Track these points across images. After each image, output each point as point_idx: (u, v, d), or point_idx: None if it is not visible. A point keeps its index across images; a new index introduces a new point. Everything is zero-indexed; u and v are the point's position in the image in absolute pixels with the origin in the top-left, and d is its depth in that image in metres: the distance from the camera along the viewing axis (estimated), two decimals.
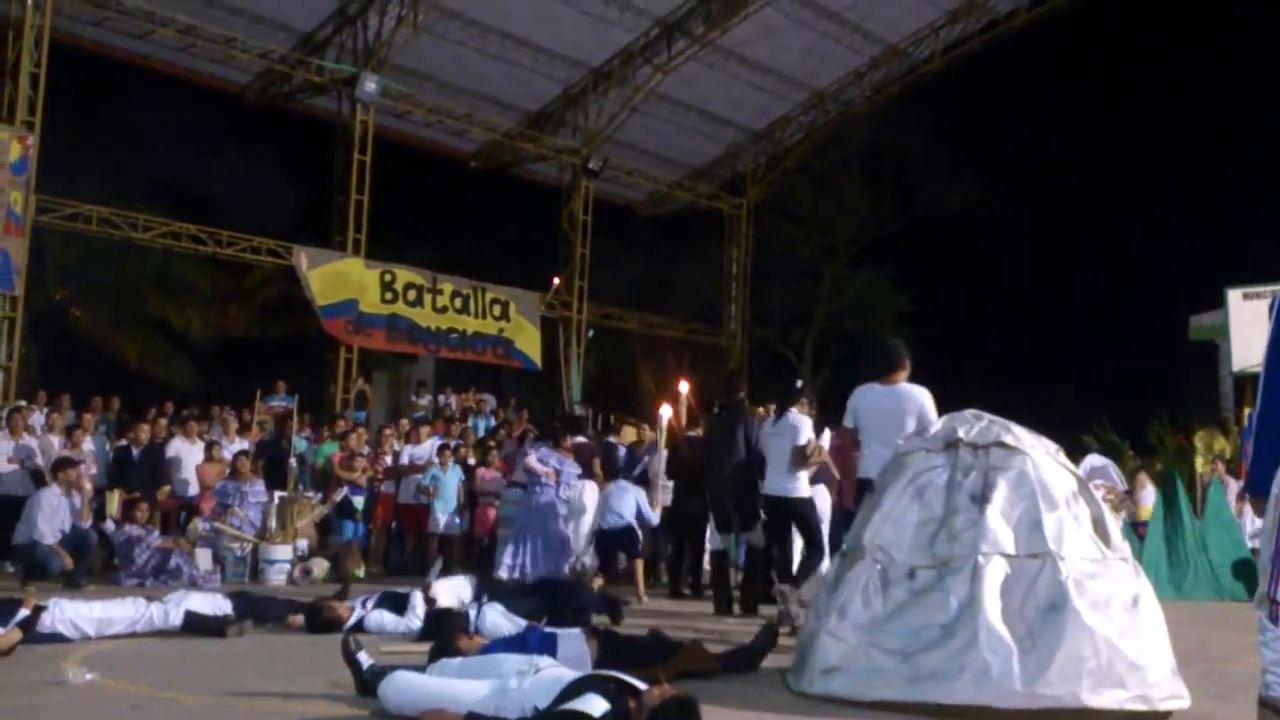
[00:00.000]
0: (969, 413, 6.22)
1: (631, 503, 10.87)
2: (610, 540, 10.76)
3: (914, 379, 7.60)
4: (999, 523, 5.56)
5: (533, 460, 11.47)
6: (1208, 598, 11.69)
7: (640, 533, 10.91)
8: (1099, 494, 6.55)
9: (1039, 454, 5.87)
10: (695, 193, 24.10)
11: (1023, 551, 5.48)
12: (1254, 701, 4.21)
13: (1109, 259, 28.34)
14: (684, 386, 12.68)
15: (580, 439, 12.65)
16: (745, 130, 23.13)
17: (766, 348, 28.11)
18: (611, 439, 13.65)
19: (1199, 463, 14.31)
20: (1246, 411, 14.41)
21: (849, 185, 28.09)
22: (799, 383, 9.84)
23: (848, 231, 28.66)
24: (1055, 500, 5.65)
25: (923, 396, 7.41)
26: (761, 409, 10.48)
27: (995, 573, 5.40)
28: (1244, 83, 27.22)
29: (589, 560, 11.06)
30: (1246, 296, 15.03)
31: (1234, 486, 13.03)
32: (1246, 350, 14.33)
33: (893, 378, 7.57)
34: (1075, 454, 10.50)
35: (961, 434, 5.97)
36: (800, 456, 8.64)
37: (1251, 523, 12.35)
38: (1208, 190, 26.99)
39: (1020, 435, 5.94)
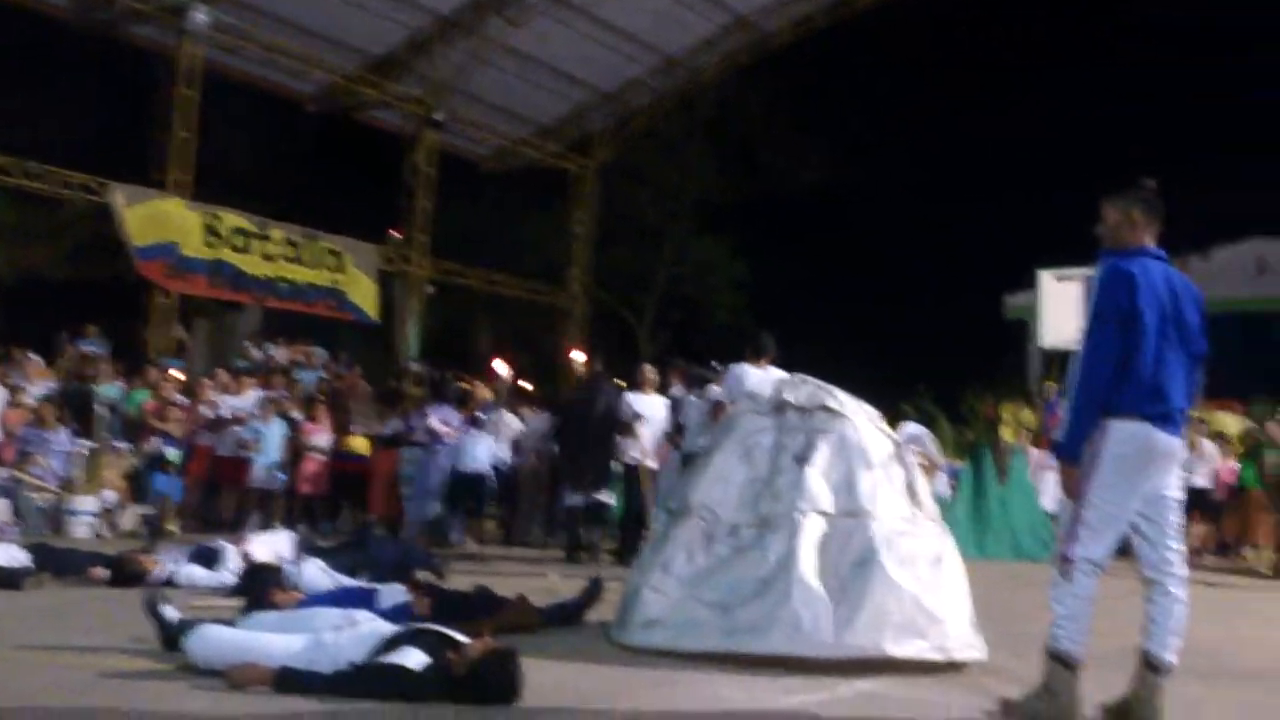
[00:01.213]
0: (796, 377, 6.48)
1: (486, 450, 11.27)
2: (465, 487, 10.88)
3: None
4: (819, 482, 5.77)
5: (435, 421, 11.47)
6: (1009, 558, 12.48)
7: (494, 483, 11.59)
8: (913, 459, 6.83)
9: (859, 418, 6.11)
10: (542, 151, 23.86)
11: (839, 510, 5.71)
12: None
13: (936, 237, 29.49)
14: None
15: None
16: (595, 90, 22.97)
17: (607, 310, 28.22)
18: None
19: (1006, 433, 15.17)
20: (1049, 385, 15.35)
21: (695, 152, 28.34)
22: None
23: (691, 197, 28.95)
24: (872, 462, 5.89)
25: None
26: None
27: (812, 530, 5.62)
28: (1068, 73, 28.55)
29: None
30: (1059, 279, 15.82)
31: (1035, 456, 13.90)
32: (1056, 329, 15.10)
33: (763, 361, 8.52)
34: (894, 422, 11.01)
35: (789, 397, 6.19)
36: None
37: (1056, 488, 13.20)
38: (1027, 173, 28.26)
39: (843, 400, 6.18)
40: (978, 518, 13.20)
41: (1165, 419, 4.38)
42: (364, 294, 20.12)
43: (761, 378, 7.92)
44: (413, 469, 12.08)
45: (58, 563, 7.53)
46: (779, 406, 6.15)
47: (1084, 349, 4.44)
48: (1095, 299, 4.46)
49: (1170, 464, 4.44)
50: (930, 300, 27.92)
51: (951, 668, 5.39)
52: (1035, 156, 28.34)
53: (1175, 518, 4.48)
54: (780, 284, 28.75)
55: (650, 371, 11.13)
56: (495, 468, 12.02)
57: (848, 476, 5.81)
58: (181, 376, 13.89)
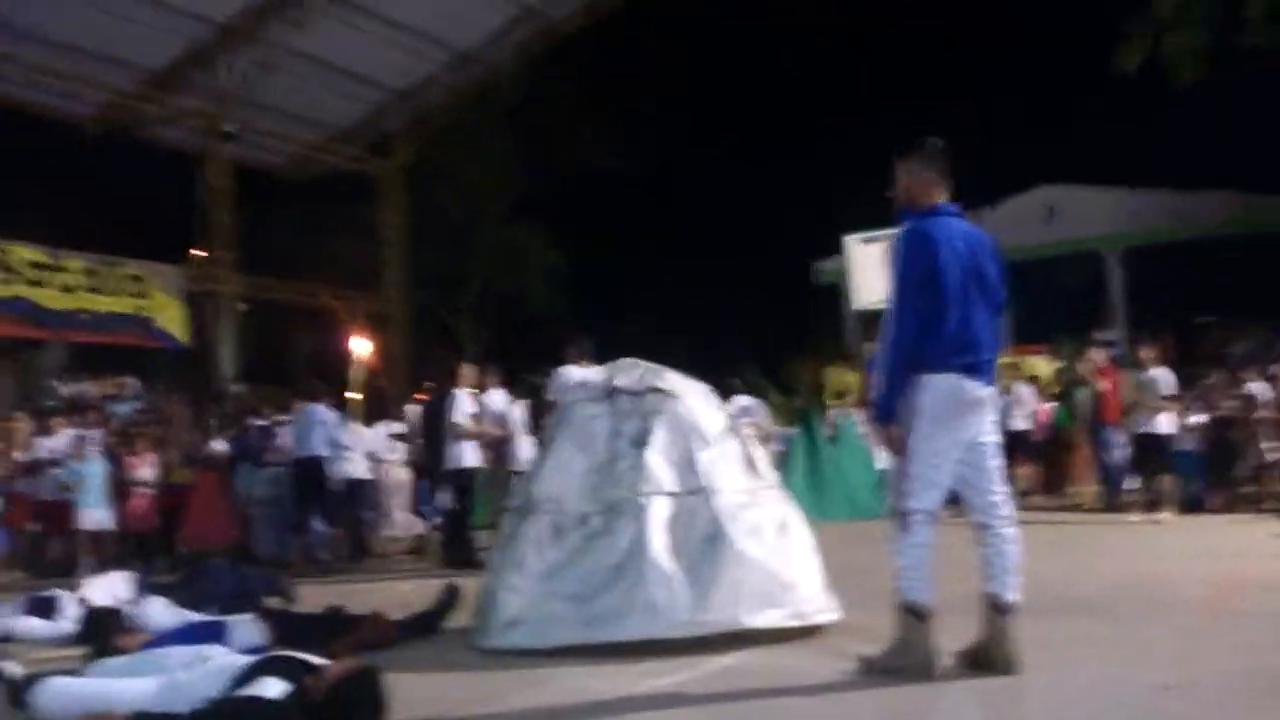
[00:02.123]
0: (625, 361, 6.56)
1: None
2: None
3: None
4: (659, 463, 5.90)
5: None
6: (847, 518, 12.95)
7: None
8: (747, 431, 7.10)
9: (691, 397, 6.27)
10: (341, 155, 23.37)
11: (681, 489, 5.84)
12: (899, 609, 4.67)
13: (742, 211, 30.09)
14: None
15: None
16: (389, 90, 22.61)
17: (429, 311, 27.91)
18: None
19: (832, 397, 15.77)
20: (869, 346, 15.98)
21: (498, 144, 28.22)
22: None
23: (499, 190, 28.85)
24: (708, 439, 6.06)
25: None
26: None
27: (658, 512, 5.74)
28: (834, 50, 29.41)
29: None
30: (866, 241, 16.50)
31: (862, 416, 14.46)
32: (868, 290, 15.76)
33: (584, 361, 9.38)
34: (726, 397, 11.36)
35: (619, 382, 6.29)
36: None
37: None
38: (817, 137, 29.01)
39: (672, 380, 6.33)
40: (813, 481, 13.59)
41: (974, 369, 4.61)
42: (172, 318, 19.38)
43: (584, 376, 8.13)
44: (267, 489, 12.11)
45: None
46: (610, 392, 6.22)
47: (892, 311, 4.65)
48: (898, 261, 4.65)
49: (983, 411, 4.65)
50: (743, 274, 28.54)
51: (810, 632, 5.56)
52: (822, 120, 29.17)
53: (995, 463, 4.69)
54: (597, 270, 28.95)
55: (469, 370, 11.24)
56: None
57: (686, 455, 5.93)
58: None
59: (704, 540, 5.64)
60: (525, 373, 11.09)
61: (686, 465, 5.91)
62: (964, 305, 4.60)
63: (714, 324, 28.05)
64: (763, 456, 6.52)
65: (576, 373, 9.02)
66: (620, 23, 22.86)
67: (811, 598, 5.68)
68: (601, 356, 8.18)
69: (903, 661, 4.60)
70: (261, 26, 19.40)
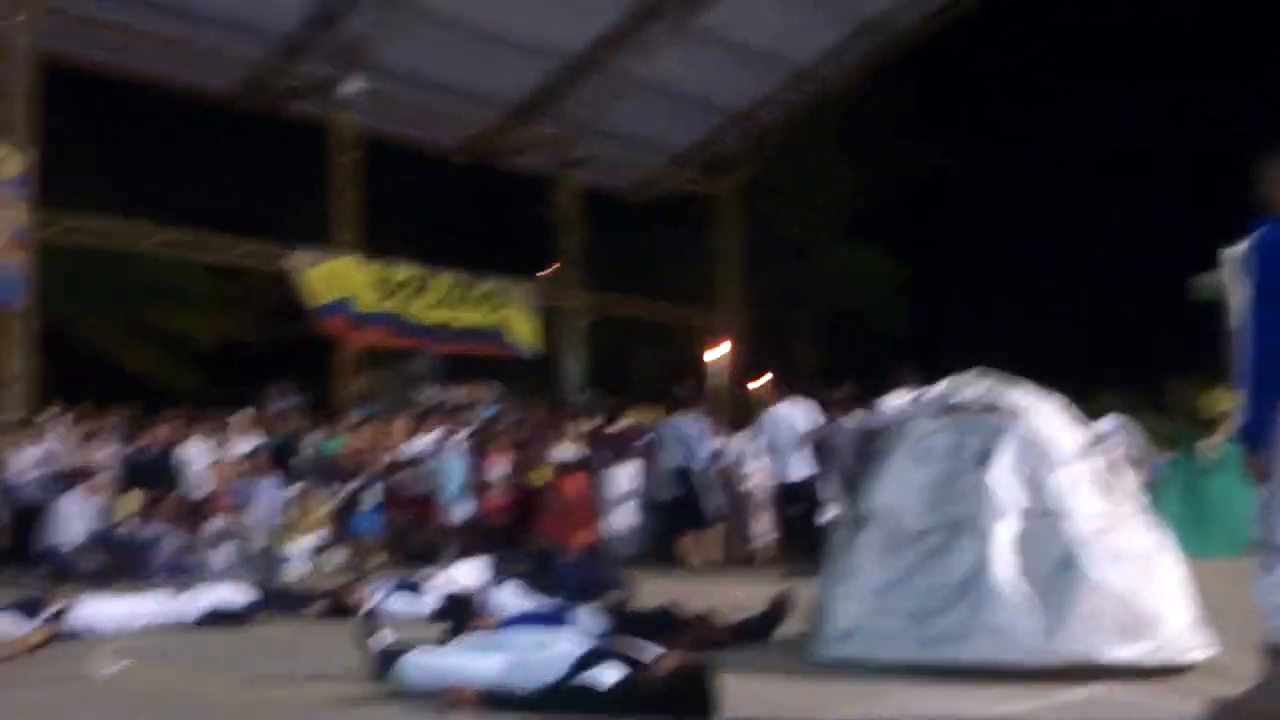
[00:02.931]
0: (970, 374, 6.26)
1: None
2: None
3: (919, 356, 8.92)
4: (1004, 482, 5.60)
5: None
6: (1229, 554, 11.65)
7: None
8: (1116, 452, 6.60)
9: (1044, 412, 5.91)
10: (680, 178, 24.15)
11: (1029, 510, 5.52)
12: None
13: (1108, 220, 28.08)
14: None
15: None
16: (726, 112, 23.13)
17: (764, 329, 28.20)
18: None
19: (1216, 421, 14.28)
20: None
21: (833, 160, 28.10)
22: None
23: (836, 206, 28.71)
24: (1060, 458, 5.70)
25: None
26: None
27: (1003, 532, 5.46)
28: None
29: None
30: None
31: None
32: None
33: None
34: (1092, 415, 10.64)
35: (963, 396, 6.04)
36: None
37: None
38: (1193, 142, 26.69)
39: (1023, 394, 5.99)
40: (1190, 512, 12.30)
41: None
42: (524, 331, 20.72)
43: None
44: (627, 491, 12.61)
45: (277, 600, 8.10)
46: (952, 407, 5.99)
47: (1250, 328, 4.23)
48: (1255, 273, 4.24)
49: None
50: (1109, 285, 26.56)
51: (1173, 671, 5.14)
52: (1201, 128, 26.79)
53: None
54: (943, 283, 28.02)
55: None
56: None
57: (1034, 475, 5.61)
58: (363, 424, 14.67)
59: (1056, 565, 5.31)
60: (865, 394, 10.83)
61: (1036, 485, 5.59)
62: None
63: (1073, 338, 26.35)
64: (1127, 480, 6.07)
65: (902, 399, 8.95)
66: (954, 29, 22.19)
67: (1178, 634, 5.25)
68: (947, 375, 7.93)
69: (1266, 706, 4.18)
70: (610, 56, 20.45)
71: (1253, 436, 4.27)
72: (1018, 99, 27.81)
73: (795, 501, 10.88)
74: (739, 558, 11.89)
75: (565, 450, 13.58)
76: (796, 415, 11.05)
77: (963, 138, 27.23)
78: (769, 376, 13.74)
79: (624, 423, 14.00)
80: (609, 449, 13.18)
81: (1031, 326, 26.55)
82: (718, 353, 13.56)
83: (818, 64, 22.28)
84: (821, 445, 10.92)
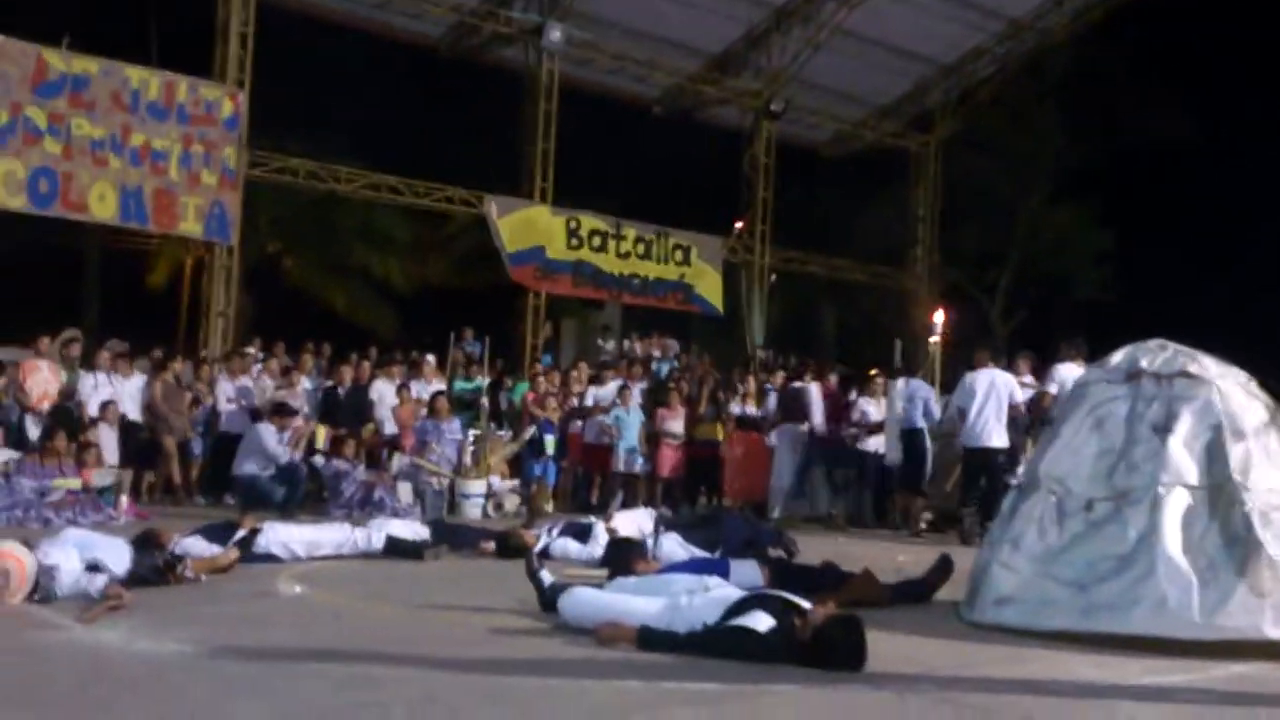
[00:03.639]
0: (1154, 343, 6.07)
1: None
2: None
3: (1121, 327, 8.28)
4: (1181, 453, 5.44)
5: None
6: None
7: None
8: None
9: (1227, 383, 5.69)
10: (881, 131, 23.55)
11: (1205, 482, 5.36)
12: None
13: None
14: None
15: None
16: (934, 64, 22.37)
17: (957, 290, 27.34)
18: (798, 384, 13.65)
19: None
20: None
21: (1046, 117, 26.84)
22: None
23: (1045, 166, 27.45)
24: (1243, 430, 5.49)
25: None
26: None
27: (1176, 504, 5.32)
28: None
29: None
30: None
31: None
32: None
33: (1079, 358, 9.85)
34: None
35: (1144, 364, 5.86)
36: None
37: None
38: None
39: (1207, 364, 5.77)
40: None
41: None
42: (710, 286, 20.74)
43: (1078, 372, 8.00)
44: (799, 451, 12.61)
45: (453, 537, 8.45)
46: (1133, 374, 5.80)
47: None
48: None
49: None
50: None
51: None
52: None
53: None
54: (1150, 254, 26.54)
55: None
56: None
57: (1214, 446, 5.42)
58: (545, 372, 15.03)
59: (1229, 540, 5.15)
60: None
61: (1214, 457, 5.40)
62: None
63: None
64: None
65: (1072, 370, 9.06)
66: None
67: None
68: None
69: None
70: (815, 7, 20.08)
71: None
72: (1251, 74, 25.83)
73: (992, 469, 10.58)
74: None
75: (741, 407, 13.60)
76: (1000, 382, 10.74)
77: (1189, 105, 25.50)
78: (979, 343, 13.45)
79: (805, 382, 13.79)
80: (790, 408, 13.05)
81: (1243, 307, 24.85)
82: (936, 318, 13.41)
83: (1034, 16, 21.31)
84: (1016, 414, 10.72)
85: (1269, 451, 5.46)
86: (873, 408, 12.47)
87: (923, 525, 11.45)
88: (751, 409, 13.66)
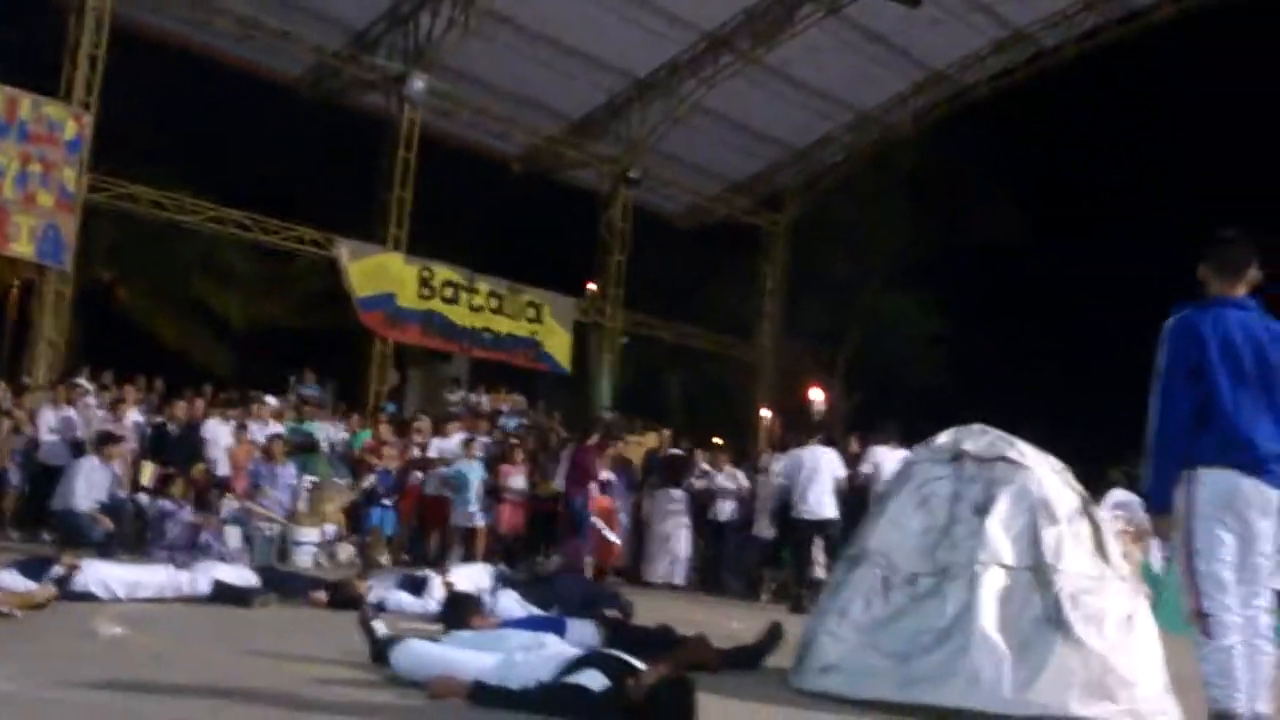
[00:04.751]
0: (976, 427, 6.36)
1: None
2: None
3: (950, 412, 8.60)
4: (999, 534, 5.70)
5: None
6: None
7: None
8: (1118, 525, 6.68)
9: (1043, 470, 6.00)
10: (733, 206, 24.28)
11: (1021, 563, 5.61)
12: None
13: (1149, 295, 27.84)
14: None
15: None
16: (786, 147, 23.26)
17: (800, 366, 28.15)
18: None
19: None
20: None
21: (890, 207, 28.12)
22: None
23: (886, 253, 28.68)
24: (1056, 516, 5.77)
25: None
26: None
27: (992, 582, 5.55)
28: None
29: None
30: None
31: None
32: None
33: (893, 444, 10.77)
34: (1101, 487, 10.67)
35: (967, 446, 6.12)
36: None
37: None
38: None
39: (1025, 451, 6.07)
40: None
41: (1253, 466, 4.42)
42: (558, 344, 20.88)
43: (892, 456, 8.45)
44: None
45: (283, 584, 8.22)
46: (957, 455, 6.07)
47: (1155, 402, 4.60)
48: (1164, 352, 4.62)
49: (1265, 514, 4.44)
50: (1135, 360, 26.31)
51: None
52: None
53: (1266, 576, 4.45)
54: (979, 341, 27.94)
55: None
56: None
57: (1030, 529, 5.69)
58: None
59: (1039, 619, 5.40)
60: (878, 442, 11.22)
61: (1029, 540, 5.67)
62: (1238, 399, 4.49)
63: (1100, 410, 26.17)
64: (1118, 546, 6.10)
65: (885, 453, 10.11)
66: (1027, 91, 22.21)
67: (1150, 698, 5.31)
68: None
69: None
70: (676, 82, 20.66)
71: (1157, 502, 4.66)
72: (1088, 162, 27.68)
73: (828, 539, 11.02)
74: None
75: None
76: (825, 459, 11.28)
77: (1029, 201, 27.12)
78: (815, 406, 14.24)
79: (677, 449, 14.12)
80: (660, 473, 13.30)
81: (1070, 395, 26.36)
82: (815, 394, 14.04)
83: (881, 110, 22.38)
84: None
85: (1079, 537, 5.75)
86: (721, 476, 12.80)
87: (766, 596, 11.79)
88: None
